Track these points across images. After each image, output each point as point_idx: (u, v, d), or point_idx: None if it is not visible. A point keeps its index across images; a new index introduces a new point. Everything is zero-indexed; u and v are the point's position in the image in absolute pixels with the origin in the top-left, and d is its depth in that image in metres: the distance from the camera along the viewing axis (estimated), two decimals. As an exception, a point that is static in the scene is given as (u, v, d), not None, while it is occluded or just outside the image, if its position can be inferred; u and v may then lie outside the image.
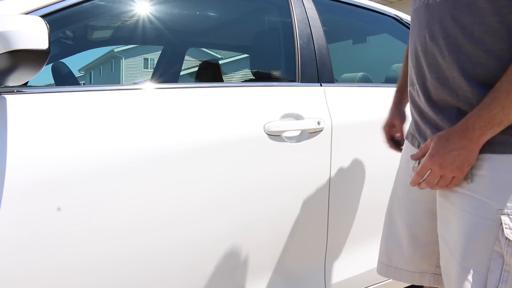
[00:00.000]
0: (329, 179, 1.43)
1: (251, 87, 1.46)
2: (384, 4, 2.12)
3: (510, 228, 0.80)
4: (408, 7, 1.10)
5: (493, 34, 0.80)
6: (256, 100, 1.38)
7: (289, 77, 1.57)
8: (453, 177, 0.86)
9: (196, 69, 2.46)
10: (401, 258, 1.10)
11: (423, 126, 0.97)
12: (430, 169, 0.88)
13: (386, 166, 1.57)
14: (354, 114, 1.53)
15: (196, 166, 1.19)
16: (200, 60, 2.65)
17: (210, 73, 2.36)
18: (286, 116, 1.37)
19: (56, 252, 1.00)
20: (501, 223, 0.80)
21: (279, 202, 1.33)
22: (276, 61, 1.75)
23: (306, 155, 1.39)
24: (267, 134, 1.31)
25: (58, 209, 1.00)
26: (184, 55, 2.49)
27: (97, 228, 1.05)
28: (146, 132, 1.14)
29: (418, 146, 1.00)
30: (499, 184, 0.82)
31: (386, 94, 1.70)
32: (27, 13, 1.07)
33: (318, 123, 1.40)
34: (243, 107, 1.34)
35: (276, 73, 1.73)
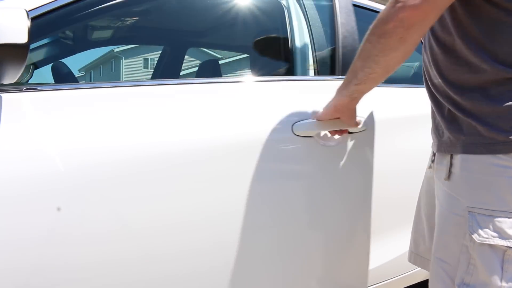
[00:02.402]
0: (371, 184, 1.31)
1: (281, 82, 1.32)
2: (384, 4, 2.12)
3: (472, 226, 0.87)
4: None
5: (458, 43, 0.88)
6: (286, 97, 1.25)
7: (329, 70, 1.38)
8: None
9: (196, 69, 2.46)
10: (425, 248, 1.18)
11: (432, 124, 1.05)
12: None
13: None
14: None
15: (213, 169, 1.12)
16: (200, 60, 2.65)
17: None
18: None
19: (57, 254, 1.00)
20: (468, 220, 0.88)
21: (310, 211, 1.26)
22: (313, 52, 1.64)
23: (343, 159, 1.25)
24: (296, 135, 1.18)
25: (58, 209, 0.99)
26: (184, 55, 2.49)
27: (100, 230, 1.05)
28: (164, 131, 1.10)
29: (432, 144, 1.09)
30: (469, 183, 0.89)
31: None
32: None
33: (359, 122, 1.26)
34: (271, 104, 1.22)
35: (313, 65, 1.56)
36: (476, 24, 0.85)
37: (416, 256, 1.23)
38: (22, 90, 1.02)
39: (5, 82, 0.95)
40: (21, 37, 0.81)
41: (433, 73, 0.97)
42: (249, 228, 1.19)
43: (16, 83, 0.98)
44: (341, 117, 1.14)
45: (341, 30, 1.33)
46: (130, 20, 1.64)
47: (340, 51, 1.30)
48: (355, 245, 1.56)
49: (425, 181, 1.20)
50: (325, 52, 1.44)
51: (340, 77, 1.30)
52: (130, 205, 1.07)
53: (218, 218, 1.14)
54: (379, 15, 0.88)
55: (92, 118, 1.07)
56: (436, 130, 1.01)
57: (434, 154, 1.11)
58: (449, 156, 0.94)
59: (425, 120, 1.20)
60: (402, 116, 1.62)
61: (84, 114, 1.07)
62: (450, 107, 0.93)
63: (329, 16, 1.38)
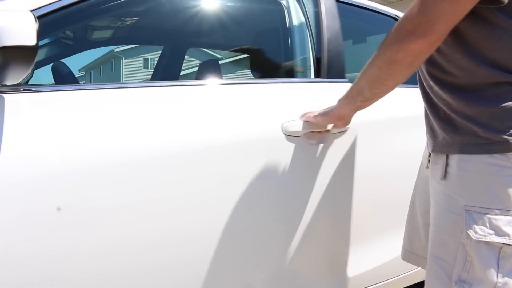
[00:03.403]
0: (353, 182, 1.37)
1: (270, 84, 1.38)
2: (384, 4, 2.12)
3: (469, 224, 0.89)
4: (408, 7, 1.11)
5: (449, 46, 0.90)
6: (274, 98, 1.31)
7: (314, 72, 1.45)
8: None
9: (196, 69, 2.46)
10: (420, 246, 1.19)
11: (426, 125, 1.06)
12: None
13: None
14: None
15: (209, 166, 1.16)
16: (200, 60, 2.65)
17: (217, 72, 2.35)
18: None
19: (57, 253, 1.00)
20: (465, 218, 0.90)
21: (299, 208, 1.30)
22: (297, 56, 1.66)
23: (328, 157, 1.31)
24: (285, 134, 1.26)
25: (58, 209, 0.99)
26: (184, 55, 2.49)
27: (98, 229, 1.05)
28: (158, 131, 1.12)
29: (427, 144, 1.09)
30: (465, 182, 0.91)
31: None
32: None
33: None
34: (259, 105, 1.27)
35: (299, 68, 1.62)
36: (472, 30, 0.86)
37: (410, 254, 1.24)
38: (20, 91, 1.02)
39: (9, 83, 0.96)
40: (30, 40, 0.84)
41: (427, 75, 0.99)
42: (240, 227, 1.22)
43: (14, 84, 0.99)
44: (340, 124, 1.23)
45: (326, 34, 1.40)
46: (130, 20, 1.64)
47: (326, 54, 1.38)
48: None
49: (420, 180, 1.21)
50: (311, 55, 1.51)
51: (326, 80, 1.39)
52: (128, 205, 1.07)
53: (207, 217, 1.17)
54: (387, 41, 0.88)
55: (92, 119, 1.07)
56: (431, 131, 1.03)
57: (430, 154, 1.11)
58: (445, 156, 0.96)
59: (421, 120, 1.20)
60: (399, 116, 1.63)
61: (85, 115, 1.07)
62: (445, 109, 0.95)
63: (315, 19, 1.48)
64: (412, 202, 1.24)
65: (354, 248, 1.56)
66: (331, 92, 1.35)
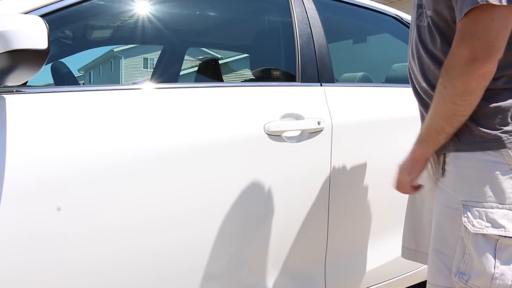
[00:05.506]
0: (329, 178, 1.43)
1: (251, 87, 1.45)
2: (384, 4, 2.12)
3: (467, 217, 0.93)
4: (408, 7, 1.11)
5: (439, 49, 0.97)
6: (256, 100, 1.38)
7: (289, 77, 1.56)
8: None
9: (195, 69, 2.46)
10: (427, 244, 1.18)
11: (422, 124, 1.10)
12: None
13: (386, 166, 1.57)
14: (354, 114, 1.52)
15: (196, 167, 1.19)
16: (199, 60, 2.65)
17: (210, 73, 2.36)
18: (286, 116, 1.37)
19: (56, 253, 1.00)
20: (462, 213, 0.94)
21: (279, 202, 1.33)
22: (276, 61, 1.74)
23: (306, 155, 1.38)
24: (267, 134, 1.31)
25: (58, 209, 0.99)
26: (183, 55, 2.49)
27: (97, 229, 1.05)
28: (145, 133, 1.13)
29: None
30: (462, 178, 0.96)
31: (386, 94, 1.70)
32: (26, 13, 1.07)
33: (318, 123, 1.40)
34: (243, 107, 1.33)
35: (276, 73, 1.72)
36: None
37: (416, 253, 1.25)
38: (13, 91, 1.02)
39: (11, 84, 0.97)
40: (42, 44, 0.87)
41: (422, 79, 1.04)
42: (233, 225, 1.25)
43: (4, 86, 0.99)
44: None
45: (299, 41, 1.51)
46: (130, 20, 1.63)
47: (299, 59, 1.49)
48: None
49: (420, 179, 1.19)
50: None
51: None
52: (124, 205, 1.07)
53: (198, 215, 1.20)
54: (449, 77, 0.89)
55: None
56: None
57: None
58: (442, 155, 1.01)
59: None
60: (404, 116, 1.62)
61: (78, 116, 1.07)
62: None
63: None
64: (412, 200, 1.25)
65: (354, 248, 1.55)
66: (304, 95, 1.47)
